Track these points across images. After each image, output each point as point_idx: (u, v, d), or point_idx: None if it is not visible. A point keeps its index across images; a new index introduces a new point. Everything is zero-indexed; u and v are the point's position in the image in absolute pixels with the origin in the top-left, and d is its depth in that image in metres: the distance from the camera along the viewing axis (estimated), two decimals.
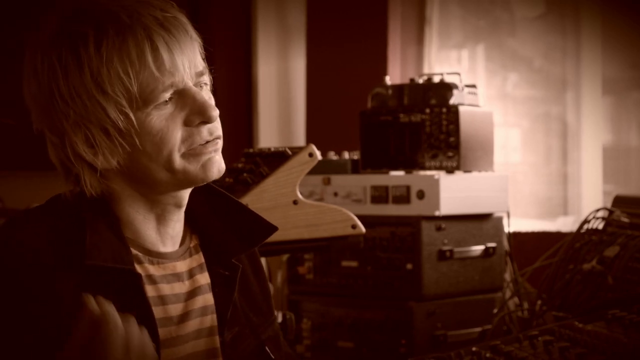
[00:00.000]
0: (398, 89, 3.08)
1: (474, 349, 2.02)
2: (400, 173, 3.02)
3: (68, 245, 1.56)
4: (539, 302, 2.69)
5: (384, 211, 2.97)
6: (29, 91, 1.62)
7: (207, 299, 1.71)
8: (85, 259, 1.54)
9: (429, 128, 2.98)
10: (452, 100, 2.99)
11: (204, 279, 1.72)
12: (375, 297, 2.96)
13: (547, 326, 2.17)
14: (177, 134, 1.59)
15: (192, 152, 1.60)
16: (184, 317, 1.68)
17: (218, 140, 1.63)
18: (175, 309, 1.67)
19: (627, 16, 3.92)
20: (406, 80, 3.15)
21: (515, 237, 3.27)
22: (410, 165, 3.01)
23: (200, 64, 1.63)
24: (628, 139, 4.02)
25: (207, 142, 1.61)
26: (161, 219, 1.66)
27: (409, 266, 2.91)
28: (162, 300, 1.65)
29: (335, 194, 3.05)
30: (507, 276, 3.13)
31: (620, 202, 2.79)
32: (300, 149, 2.39)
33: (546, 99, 4.10)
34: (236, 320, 1.74)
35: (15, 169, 4.54)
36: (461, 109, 2.96)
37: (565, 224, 3.86)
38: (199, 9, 4.59)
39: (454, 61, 4.25)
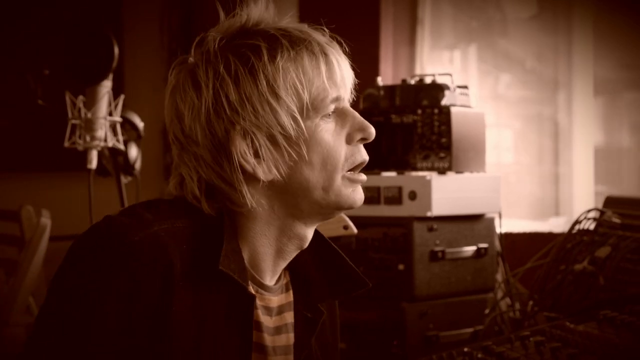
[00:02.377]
0: (390, 89, 3.08)
1: (465, 349, 2.03)
2: (392, 174, 3.02)
3: (201, 249, 1.56)
4: (531, 302, 2.69)
5: (375, 212, 2.96)
6: (183, 104, 1.61)
7: (290, 337, 1.73)
8: (219, 264, 1.55)
9: (421, 129, 2.98)
10: (444, 101, 2.99)
11: (290, 317, 1.73)
12: (368, 298, 2.95)
13: (539, 327, 2.17)
14: (342, 150, 1.64)
15: (350, 177, 1.65)
16: (273, 350, 1.69)
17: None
18: (266, 340, 1.68)
19: (619, 17, 3.92)
20: (398, 81, 3.15)
21: (507, 237, 3.28)
22: (402, 166, 3.01)
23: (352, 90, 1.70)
24: (620, 140, 4.03)
25: (360, 165, 1.66)
26: (280, 253, 1.67)
27: (401, 267, 2.90)
28: (258, 326, 1.66)
29: None
30: (499, 277, 3.14)
31: (611, 202, 2.80)
32: None
33: (538, 99, 4.11)
34: None
35: (6, 171, 4.54)
36: (453, 109, 2.96)
37: (557, 225, 3.87)
38: (194, 12, 4.60)
39: (446, 62, 4.25)
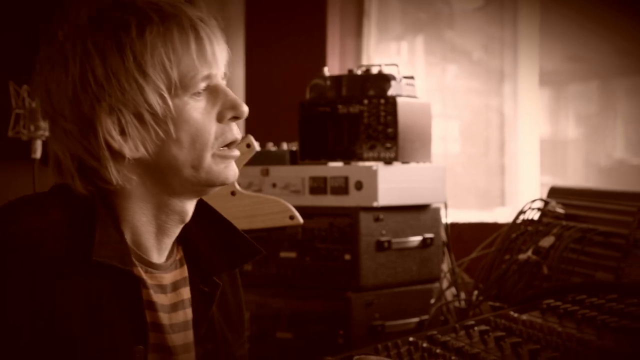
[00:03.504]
0: (336, 80, 3.08)
1: (411, 339, 2.03)
2: (339, 164, 3.02)
3: (76, 238, 1.54)
4: (476, 292, 2.71)
5: (322, 202, 2.97)
6: (52, 78, 1.58)
7: (187, 313, 1.70)
8: (93, 255, 1.52)
9: (367, 119, 2.98)
10: (390, 92, 3.00)
11: (186, 293, 1.71)
12: (314, 288, 2.96)
13: (483, 316, 2.19)
14: (211, 128, 1.60)
15: (221, 154, 1.61)
16: (170, 327, 1.67)
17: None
18: (162, 318, 1.66)
19: (565, 9, 3.96)
20: (345, 72, 3.15)
21: (453, 227, 3.29)
22: (349, 156, 3.01)
23: (226, 67, 1.66)
24: (565, 131, 4.07)
25: (233, 142, 1.63)
26: (162, 230, 1.65)
27: (347, 257, 2.91)
28: (152, 306, 1.64)
29: (274, 185, 3.05)
30: (445, 266, 3.15)
31: (555, 193, 2.82)
32: None
33: (485, 90, 4.13)
34: (211, 337, 1.74)
35: None
36: (399, 100, 2.97)
37: (503, 215, 3.89)
38: None
39: (393, 53, 4.26)
